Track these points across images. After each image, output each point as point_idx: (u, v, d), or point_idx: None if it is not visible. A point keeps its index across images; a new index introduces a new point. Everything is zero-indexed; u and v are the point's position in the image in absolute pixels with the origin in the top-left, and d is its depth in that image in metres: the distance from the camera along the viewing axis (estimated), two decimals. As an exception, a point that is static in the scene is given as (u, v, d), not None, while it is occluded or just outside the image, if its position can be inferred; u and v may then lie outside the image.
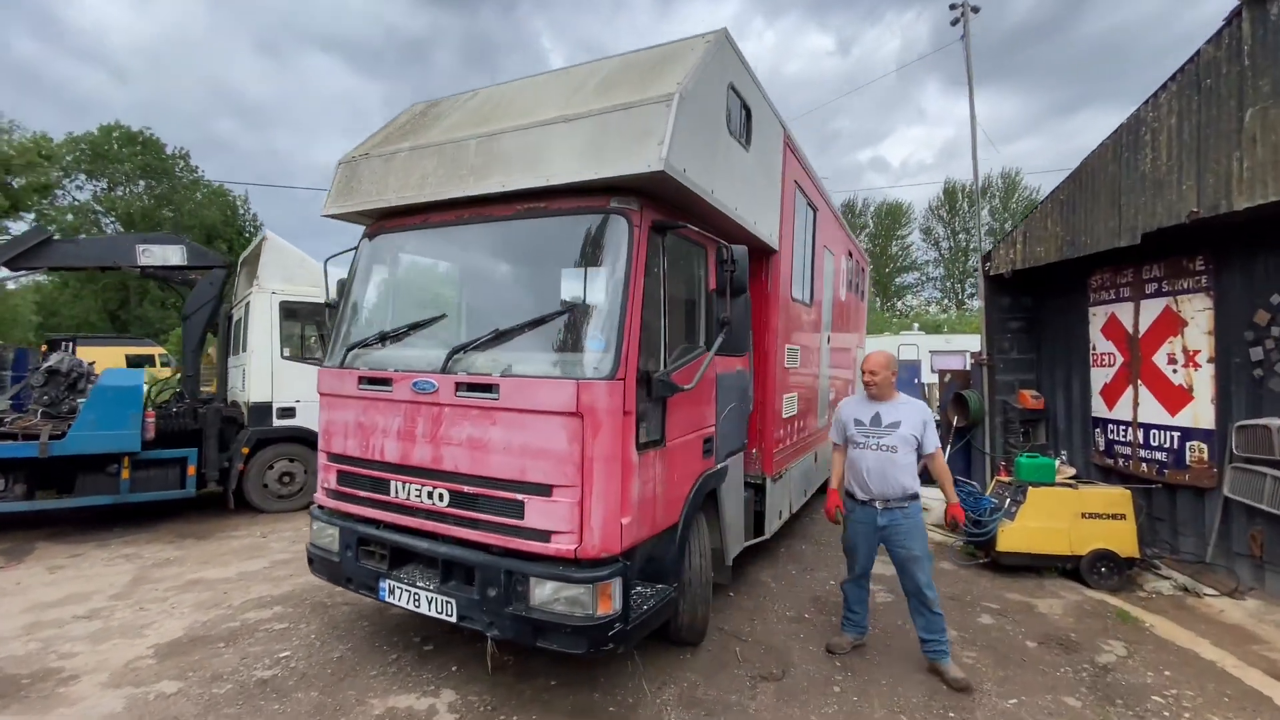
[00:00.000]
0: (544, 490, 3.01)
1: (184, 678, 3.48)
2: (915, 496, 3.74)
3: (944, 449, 7.82)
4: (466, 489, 3.22)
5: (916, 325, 28.95)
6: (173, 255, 7.53)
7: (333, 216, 4.22)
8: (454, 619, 3.23)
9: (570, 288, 3.33)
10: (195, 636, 4.03)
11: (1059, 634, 4.28)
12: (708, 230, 3.73)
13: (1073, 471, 6.65)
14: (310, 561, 3.88)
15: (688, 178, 3.22)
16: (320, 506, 3.89)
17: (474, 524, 3.21)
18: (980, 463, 7.84)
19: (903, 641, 4.11)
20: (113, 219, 37.59)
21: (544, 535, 3.01)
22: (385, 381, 3.53)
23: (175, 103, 66.39)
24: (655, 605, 3.31)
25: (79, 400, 6.46)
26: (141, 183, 39.11)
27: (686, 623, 3.85)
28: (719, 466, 4.22)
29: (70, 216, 35.51)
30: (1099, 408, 6.54)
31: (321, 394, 3.92)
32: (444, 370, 3.33)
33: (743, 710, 3.27)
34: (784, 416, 5.54)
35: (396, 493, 3.48)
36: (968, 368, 8.41)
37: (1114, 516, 5.32)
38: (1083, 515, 5.35)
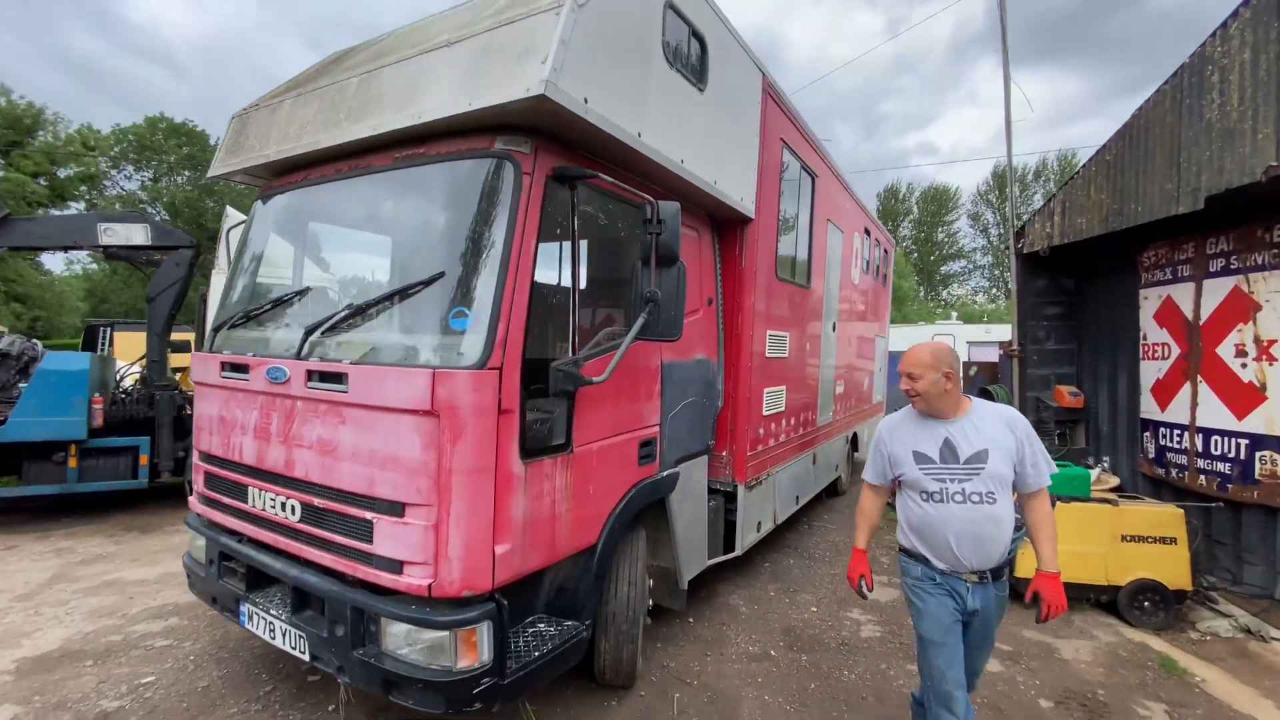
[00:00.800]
0: (395, 509, 2.38)
1: (27, 702, 3.02)
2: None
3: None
4: (316, 502, 2.62)
5: (955, 314, 27.35)
6: (136, 234, 7.17)
7: (220, 177, 3.66)
8: (307, 657, 2.66)
9: (442, 251, 2.67)
10: (69, 651, 3.58)
11: (1083, 690, 3.45)
12: (653, 186, 3.03)
13: (1115, 483, 5.72)
14: (188, 576, 3.37)
15: (593, 110, 2.52)
16: (191, 513, 3.37)
17: (325, 545, 2.61)
18: (1008, 467, 6.90)
19: (876, 686, 3.37)
20: (159, 208, 38.75)
21: (395, 565, 2.38)
22: (244, 368, 2.95)
23: (228, 98, 68.29)
24: (553, 651, 2.65)
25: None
26: (186, 173, 40.17)
27: (609, 664, 3.19)
28: (664, 474, 3.52)
29: (118, 205, 36.62)
30: (1149, 408, 5.55)
31: (194, 382, 3.39)
32: (298, 355, 2.73)
33: (657, 786, 2.61)
34: (765, 414, 4.79)
35: (254, 501, 2.91)
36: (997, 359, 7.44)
37: (1162, 540, 4.41)
38: (1123, 538, 4.45)
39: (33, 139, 29.26)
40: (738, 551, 4.45)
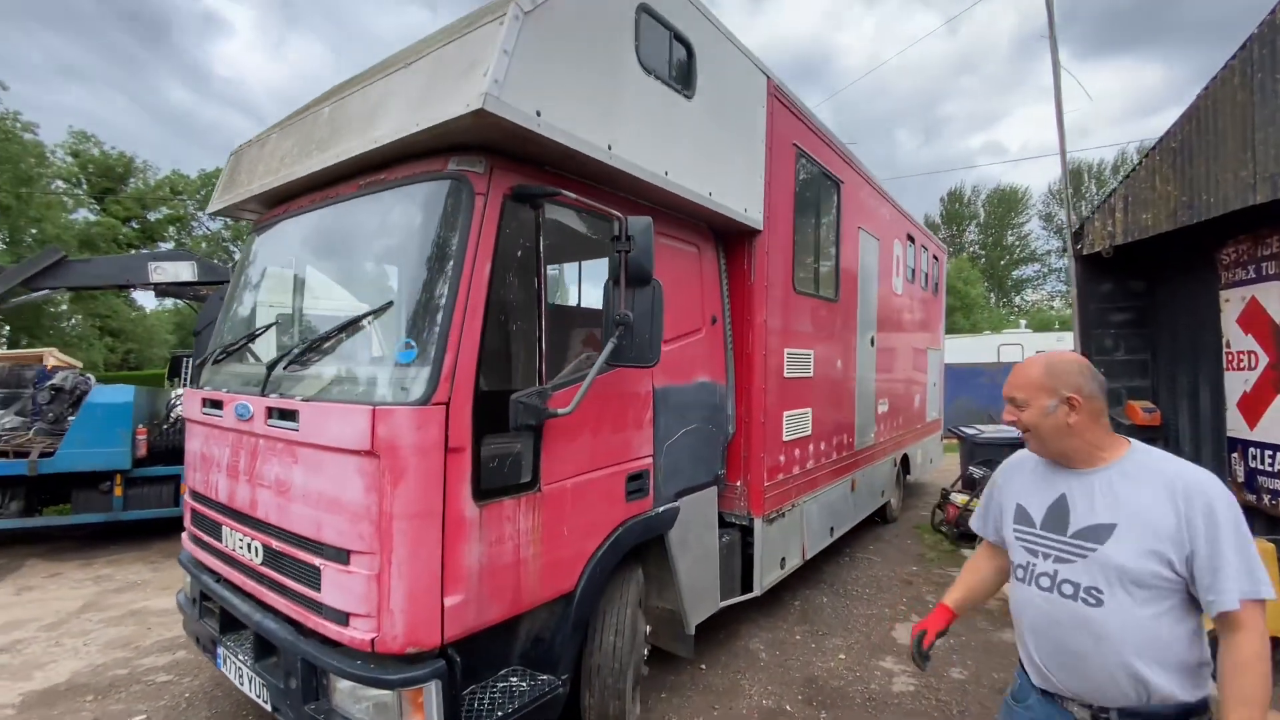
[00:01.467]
0: (341, 556, 2.22)
1: (13, 746, 3.03)
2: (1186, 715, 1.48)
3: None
4: (274, 544, 2.51)
5: (1024, 322, 25.69)
6: (183, 271, 7.55)
7: (218, 213, 3.71)
8: (269, 707, 2.53)
9: (396, 279, 2.54)
10: (75, 685, 3.61)
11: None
12: (639, 201, 2.83)
13: (1202, 510, 5.01)
14: (182, 614, 3.34)
15: (547, 124, 2.34)
16: (182, 549, 3.35)
17: (282, 590, 2.48)
18: (1075, 492, 6.20)
19: (912, 761, 2.95)
20: (240, 246, 41.53)
21: (342, 616, 2.22)
22: (219, 404, 2.90)
23: None
24: (520, 710, 2.41)
25: (78, 417, 6.51)
26: (262, 212, 42.90)
27: (594, 720, 2.92)
28: (660, 510, 3.26)
29: (205, 245, 39.45)
30: (1236, 425, 4.85)
31: (185, 417, 3.39)
32: (262, 391, 2.65)
33: None
34: (786, 439, 4.44)
35: (226, 540, 2.84)
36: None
37: (1258, 583, 3.77)
38: (1208, 579, 3.83)
39: (125, 186, 31.95)
40: (756, 592, 4.10)
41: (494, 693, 2.48)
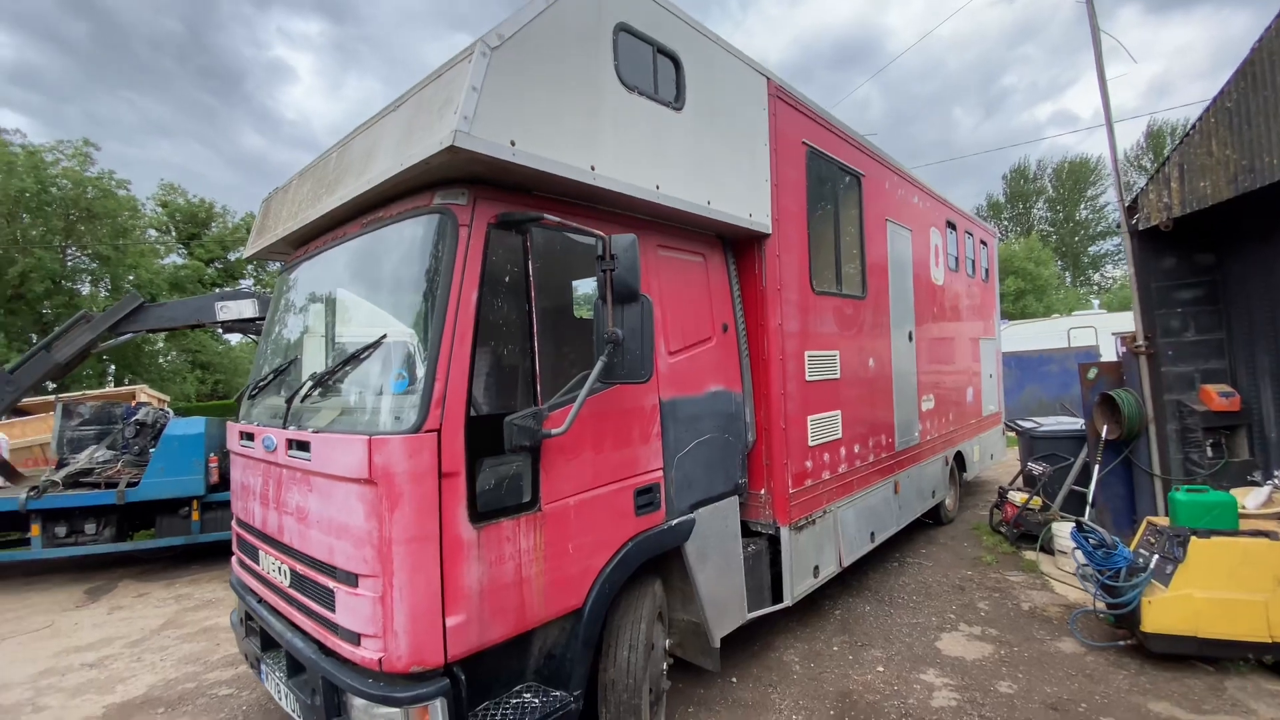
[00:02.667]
0: (351, 579, 2.34)
1: (92, 755, 3.33)
2: None
3: (1093, 469, 5.92)
4: (298, 568, 2.67)
5: (1096, 302, 23.97)
6: (246, 309, 8.12)
7: (253, 258, 3.99)
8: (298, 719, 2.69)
9: (391, 312, 2.66)
10: (151, 697, 3.94)
11: (1227, 791, 2.67)
12: (635, 216, 2.87)
13: (1292, 503, 4.55)
14: (234, 633, 3.59)
15: (523, 152, 2.41)
16: (232, 573, 3.59)
17: (306, 611, 2.63)
18: (1148, 488, 5.75)
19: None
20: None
21: (354, 638, 2.33)
22: (251, 436, 3.11)
23: None
24: (529, 726, 2.47)
25: (160, 449, 7.09)
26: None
27: (611, 738, 2.93)
28: (673, 523, 3.25)
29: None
30: (1328, 408, 4.38)
31: (228, 449, 3.65)
32: (284, 424, 2.83)
33: None
34: (813, 444, 4.34)
35: (261, 563, 3.03)
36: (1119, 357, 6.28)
37: (1351, 585, 3.39)
38: (1291, 581, 3.48)
39: (208, 230, 34.57)
40: (787, 602, 4.01)
41: (506, 709, 2.54)
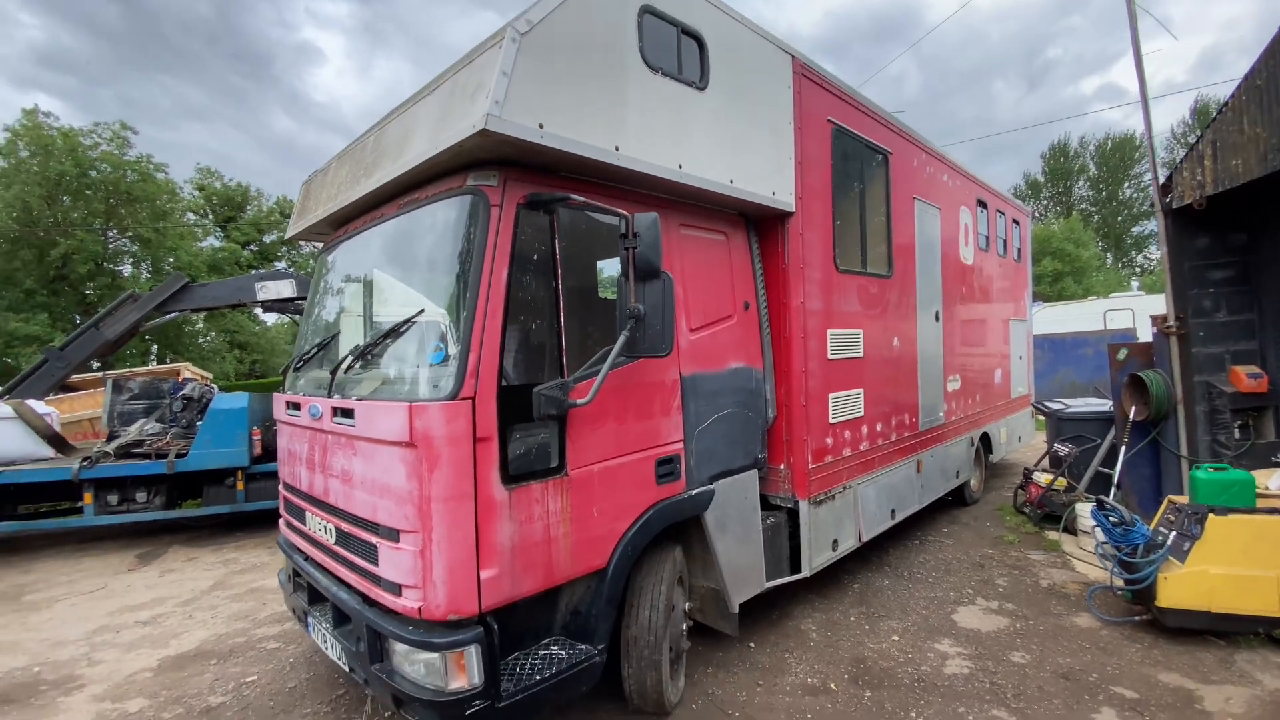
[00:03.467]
0: (393, 535, 2.53)
1: (155, 696, 3.63)
2: None
3: (1120, 451, 5.89)
4: (344, 526, 2.87)
5: (1135, 284, 23.29)
6: (285, 289, 8.43)
7: (294, 239, 4.18)
8: (345, 666, 2.91)
9: (428, 288, 2.81)
10: (203, 651, 4.24)
11: (1233, 757, 2.73)
12: (658, 195, 2.97)
13: (1321, 485, 4.50)
14: (281, 590, 3.85)
15: (551, 134, 2.52)
16: (279, 534, 3.84)
17: (351, 566, 2.84)
18: (1174, 470, 5.70)
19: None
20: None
21: (396, 589, 2.53)
22: (297, 406, 3.32)
23: None
24: (557, 675, 2.65)
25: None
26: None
27: (634, 690, 3.10)
28: (693, 492, 3.38)
29: (312, 261, 42.81)
30: (1363, 389, 4.31)
31: (274, 418, 3.88)
32: (329, 393, 3.01)
33: (663, 826, 2.48)
34: (834, 421, 4.42)
35: (308, 523, 3.25)
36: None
37: (1374, 564, 3.38)
38: (1312, 560, 3.48)
39: (243, 213, 35.42)
40: (805, 573, 4.13)
41: (535, 659, 2.72)
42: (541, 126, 2.48)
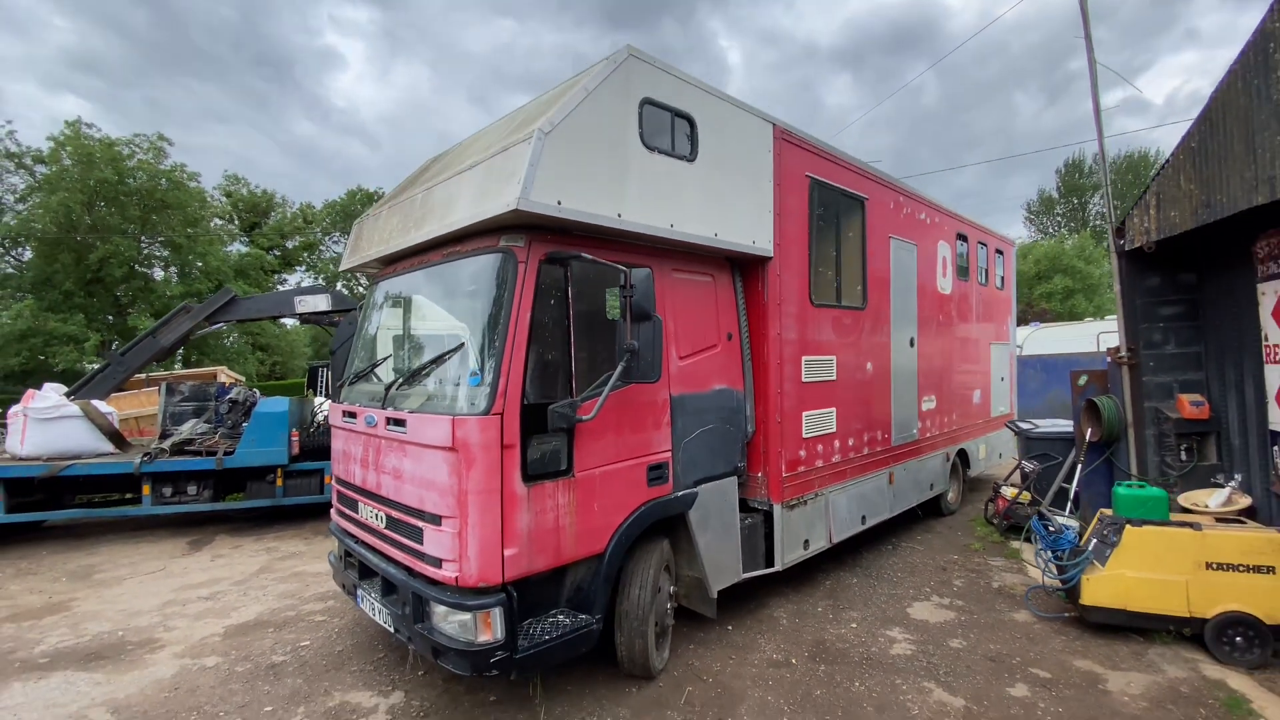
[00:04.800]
0: (435, 520, 3.22)
1: (226, 654, 4.33)
2: None
3: (1077, 469, 6.46)
4: (394, 513, 3.56)
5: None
6: (321, 303, 9.22)
7: (347, 271, 4.91)
8: (391, 628, 3.59)
9: (468, 325, 3.51)
10: (261, 621, 4.95)
11: (1110, 720, 3.33)
12: (654, 247, 3.67)
13: (1247, 503, 5.06)
14: (331, 569, 4.55)
15: (566, 208, 3.22)
16: (331, 521, 4.54)
17: (399, 546, 3.53)
18: (1126, 486, 6.24)
19: (880, 698, 3.55)
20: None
21: (437, 562, 3.21)
22: (354, 414, 4.03)
23: (411, 159, 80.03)
24: (562, 637, 3.32)
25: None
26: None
27: (625, 655, 3.76)
28: (679, 494, 4.04)
29: (332, 267, 44.10)
30: (1276, 417, 4.88)
31: (330, 424, 4.59)
32: (383, 405, 3.72)
33: (643, 755, 3.13)
34: (807, 436, 5.06)
35: (361, 512, 3.95)
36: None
37: (1259, 569, 3.96)
38: (1209, 565, 4.06)
39: (267, 219, 36.64)
40: (777, 567, 4.77)
41: (545, 624, 3.39)
42: (559, 203, 3.18)
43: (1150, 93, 71.46)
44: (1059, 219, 47.77)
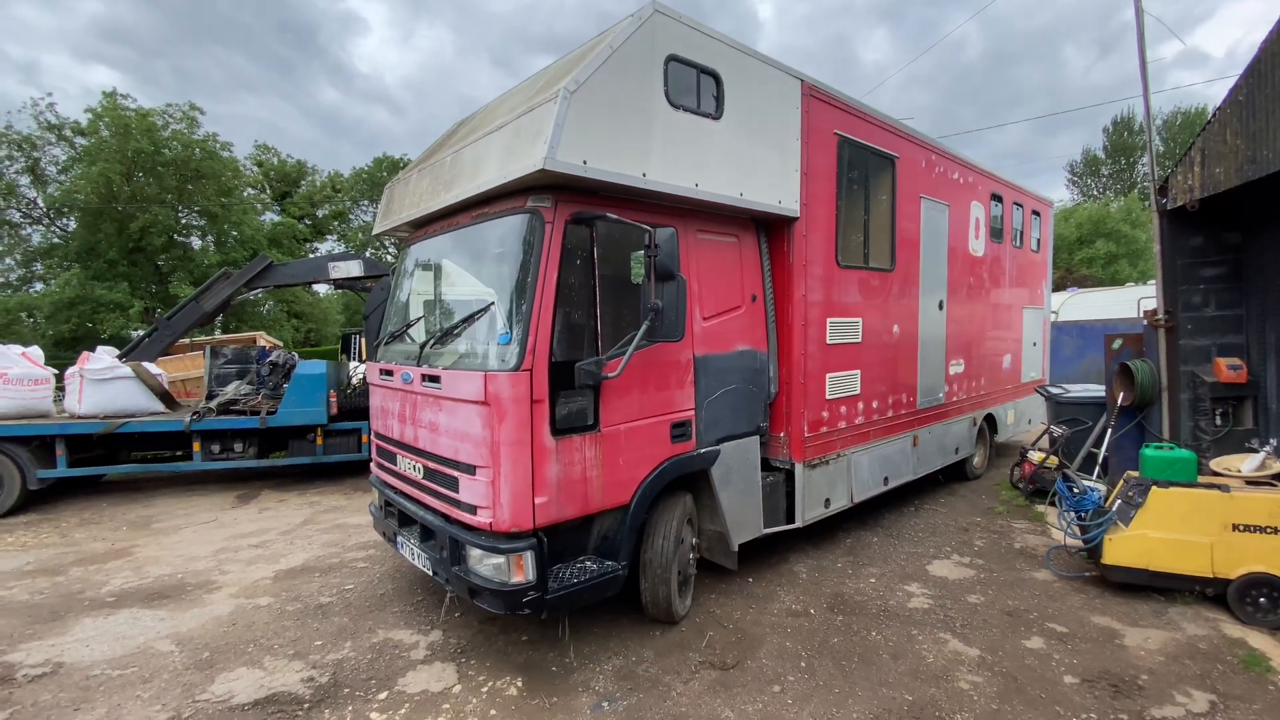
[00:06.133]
0: (470, 469, 3.38)
1: (278, 595, 4.65)
2: None
3: (1107, 433, 6.40)
4: (431, 464, 3.75)
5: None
6: (354, 268, 9.45)
7: (380, 235, 5.04)
8: (430, 571, 3.81)
9: (497, 285, 3.61)
10: (307, 566, 5.27)
11: (1124, 672, 3.40)
12: (678, 207, 3.72)
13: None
14: (372, 518, 4.81)
15: (592, 168, 3.27)
16: (371, 474, 4.78)
17: (436, 495, 3.72)
18: (1157, 451, 6.17)
19: (896, 646, 3.67)
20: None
21: (472, 509, 3.39)
22: (391, 372, 4.20)
23: (437, 124, 79.80)
24: (589, 581, 3.49)
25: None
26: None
27: (649, 601, 3.94)
28: (701, 451, 4.15)
29: (361, 235, 44.68)
30: (1318, 382, 4.76)
31: (368, 382, 4.79)
32: (418, 363, 3.88)
33: (666, 692, 3.31)
34: (830, 398, 5.11)
35: (399, 464, 4.16)
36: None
37: (1286, 531, 3.94)
38: (1234, 527, 4.05)
39: (298, 188, 37.14)
40: (798, 523, 4.88)
41: (573, 569, 3.57)
42: (585, 163, 3.23)
43: (1210, 45, 66.91)
44: (1105, 180, 45.74)
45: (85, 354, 8.19)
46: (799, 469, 4.85)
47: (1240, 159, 4.71)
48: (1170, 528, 4.21)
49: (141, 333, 11.23)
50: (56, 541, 6.15)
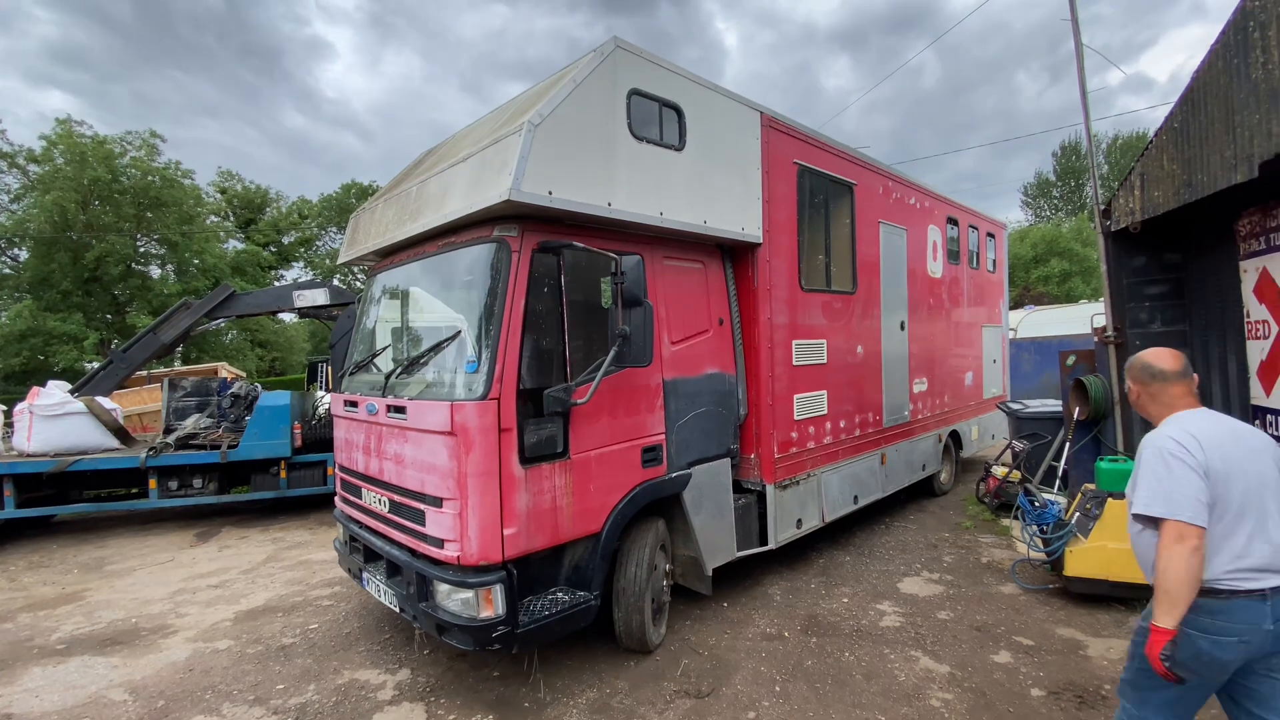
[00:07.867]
0: (437, 502, 3.33)
1: (238, 638, 4.47)
2: None
3: (1065, 447, 6.59)
4: (397, 497, 3.68)
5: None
6: (319, 297, 9.32)
7: (345, 264, 5.00)
8: (397, 608, 3.72)
9: (465, 314, 3.60)
10: (269, 607, 5.08)
11: (1088, 685, 3.47)
12: (644, 235, 3.76)
13: (1228, 476, 5.19)
14: (337, 554, 4.68)
15: (557, 198, 3.31)
16: (336, 508, 4.66)
17: (402, 528, 3.64)
18: (1113, 463, 6.38)
19: (869, 666, 3.69)
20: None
21: (439, 542, 3.33)
22: (355, 403, 4.13)
23: (405, 151, 79.62)
24: (561, 613, 3.44)
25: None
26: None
27: (623, 630, 3.90)
28: (672, 475, 4.16)
29: (329, 261, 44.04)
30: (1257, 393, 4.99)
31: (332, 414, 4.70)
32: (383, 393, 3.82)
33: (641, 723, 3.27)
34: (799, 418, 5.18)
35: (364, 498, 4.07)
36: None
37: (1235, 538, 4.08)
38: (1187, 535, 4.19)
39: (262, 215, 36.56)
40: (771, 545, 4.90)
41: (544, 601, 3.52)
42: (550, 193, 3.27)
43: (1154, 70, 70.78)
44: (1056, 201, 47.76)
45: (35, 389, 7.87)
46: (770, 490, 4.88)
47: (1177, 183, 4.98)
48: (1127, 538, 4.33)
49: (96, 365, 10.86)
50: (4, 586, 5.84)
